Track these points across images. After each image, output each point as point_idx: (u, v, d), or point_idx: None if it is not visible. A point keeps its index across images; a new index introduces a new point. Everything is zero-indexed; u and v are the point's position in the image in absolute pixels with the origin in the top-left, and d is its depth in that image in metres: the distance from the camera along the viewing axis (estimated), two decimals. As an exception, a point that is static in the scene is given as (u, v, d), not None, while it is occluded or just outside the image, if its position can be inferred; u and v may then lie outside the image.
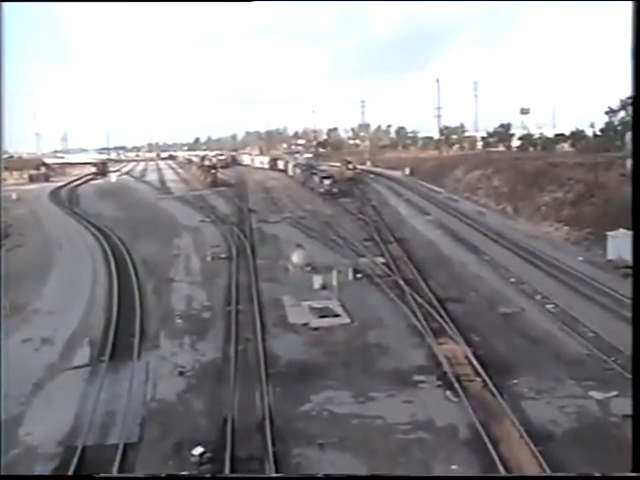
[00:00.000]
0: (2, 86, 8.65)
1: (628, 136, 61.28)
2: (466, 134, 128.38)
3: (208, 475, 15.83)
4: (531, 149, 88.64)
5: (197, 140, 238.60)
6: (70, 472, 15.79)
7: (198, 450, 16.63)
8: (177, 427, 18.24)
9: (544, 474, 15.13)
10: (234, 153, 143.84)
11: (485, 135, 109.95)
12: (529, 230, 45.02)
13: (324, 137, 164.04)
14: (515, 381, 20.64)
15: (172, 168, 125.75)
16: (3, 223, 47.55)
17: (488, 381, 20.31)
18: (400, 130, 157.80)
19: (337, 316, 27.26)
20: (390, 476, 15.28)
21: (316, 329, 26.01)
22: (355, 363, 22.49)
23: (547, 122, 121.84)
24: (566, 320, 26.08)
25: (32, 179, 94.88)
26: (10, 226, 50.35)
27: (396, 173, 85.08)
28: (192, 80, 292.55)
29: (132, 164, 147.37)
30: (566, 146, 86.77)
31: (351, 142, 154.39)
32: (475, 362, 21.83)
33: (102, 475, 15.29)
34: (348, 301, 29.12)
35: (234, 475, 15.56)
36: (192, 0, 43.42)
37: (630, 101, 65.53)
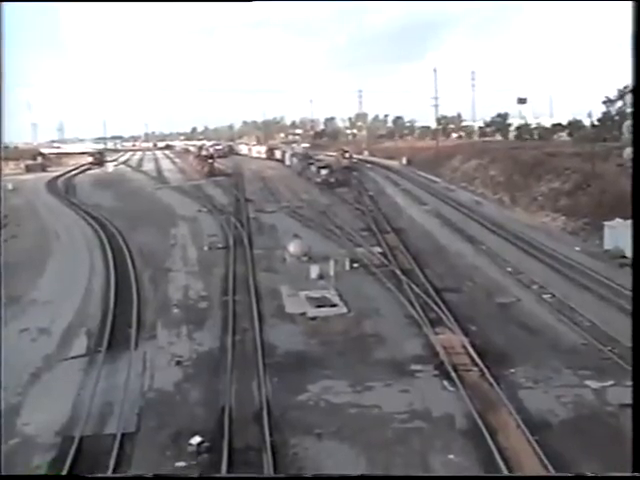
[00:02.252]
0: (2, 81, 8.58)
1: (625, 126, 61.30)
2: (463, 124, 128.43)
3: (197, 475, 15.73)
4: (528, 139, 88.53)
5: (194, 130, 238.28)
6: (67, 462, 15.79)
7: (196, 440, 16.67)
8: (175, 417, 18.26)
9: (544, 474, 15.11)
10: (231, 143, 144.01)
11: (482, 125, 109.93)
12: (526, 220, 45.00)
13: (321, 127, 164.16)
14: (512, 370, 20.68)
15: (169, 158, 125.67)
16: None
17: (485, 371, 20.35)
18: (397, 120, 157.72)
19: (334, 306, 27.28)
20: (384, 476, 15.25)
21: (313, 319, 26.01)
22: (352, 353, 22.50)
23: (544, 112, 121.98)
24: (563, 310, 26.10)
25: (29, 169, 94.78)
26: (6, 216, 50.24)
27: (393, 163, 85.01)
28: (189, 70, 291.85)
29: (129, 154, 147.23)
30: (563, 136, 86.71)
31: (348, 132, 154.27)
32: (472, 352, 21.86)
33: (96, 475, 15.23)
34: (345, 291, 29.11)
35: (226, 475, 15.47)
36: (190, 0, 43.39)
37: (627, 90, 65.57)
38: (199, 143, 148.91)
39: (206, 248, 38.60)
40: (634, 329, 7.42)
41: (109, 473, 15.23)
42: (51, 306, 28.63)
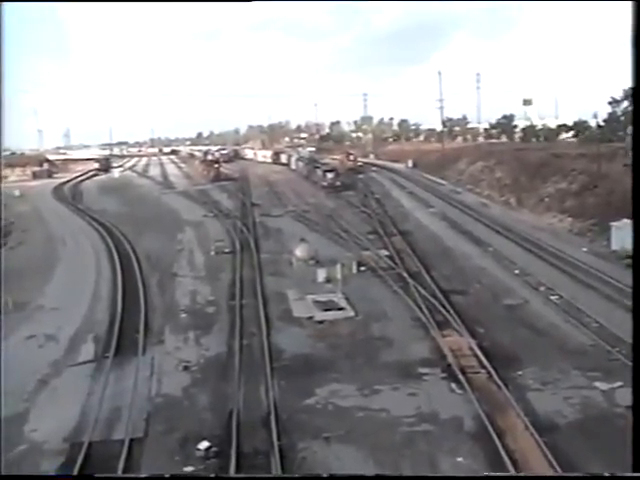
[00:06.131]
0: (2, 84, 8.65)
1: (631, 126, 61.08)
2: (469, 126, 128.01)
3: (212, 475, 15.77)
4: (534, 140, 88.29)
5: (200, 135, 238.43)
6: (76, 468, 15.81)
7: (204, 445, 16.67)
8: (182, 422, 18.26)
9: (544, 474, 15.07)
10: (237, 147, 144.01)
11: (488, 127, 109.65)
12: (533, 221, 44.92)
13: (327, 130, 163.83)
14: (520, 372, 20.63)
15: (175, 163, 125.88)
16: (5, 220, 47.65)
17: (493, 373, 20.30)
18: (403, 122, 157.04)
19: (341, 309, 27.28)
20: (395, 476, 15.23)
21: (320, 322, 26.03)
22: (359, 356, 22.48)
23: (550, 113, 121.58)
24: (570, 311, 26.04)
25: (35, 175, 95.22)
26: (13, 222, 50.45)
27: (399, 165, 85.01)
28: (194, 75, 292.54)
29: (135, 159, 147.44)
30: (569, 137, 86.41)
31: (354, 135, 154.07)
32: (480, 354, 21.83)
33: (104, 475, 15.28)
34: (352, 294, 29.11)
35: (237, 475, 15.51)
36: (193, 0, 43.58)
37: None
38: (205, 148, 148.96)
39: (213, 253, 38.65)
40: (634, 328, 7.42)
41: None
42: (58, 312, 28.70)
